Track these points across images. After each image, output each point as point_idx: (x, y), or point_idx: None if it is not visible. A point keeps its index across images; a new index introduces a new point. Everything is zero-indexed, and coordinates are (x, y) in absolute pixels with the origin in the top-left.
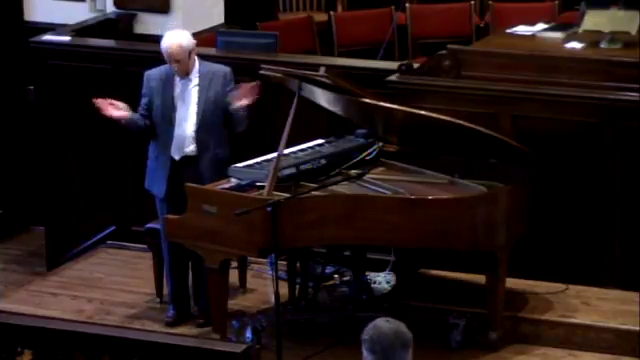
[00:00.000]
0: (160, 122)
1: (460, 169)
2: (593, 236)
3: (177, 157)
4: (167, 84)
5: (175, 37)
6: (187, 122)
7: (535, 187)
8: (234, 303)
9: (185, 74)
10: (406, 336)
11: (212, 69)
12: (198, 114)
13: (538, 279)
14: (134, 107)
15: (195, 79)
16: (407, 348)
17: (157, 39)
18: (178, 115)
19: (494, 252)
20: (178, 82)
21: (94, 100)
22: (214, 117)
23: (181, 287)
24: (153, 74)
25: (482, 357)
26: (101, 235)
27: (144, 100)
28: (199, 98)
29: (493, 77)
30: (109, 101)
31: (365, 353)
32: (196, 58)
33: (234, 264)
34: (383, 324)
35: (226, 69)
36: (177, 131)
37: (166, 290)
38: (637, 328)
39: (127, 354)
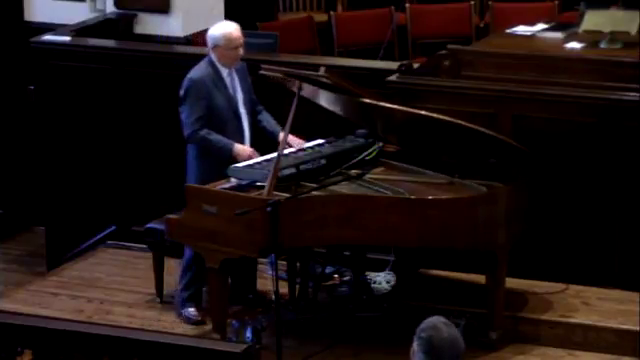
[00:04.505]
0: (228, 119)
1: (460, 169)
2: (593, 236)
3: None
4: (220, 82)
5: (231, 24)
6: (245, 114)
7: (535, 187)
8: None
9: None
10: (461, 346)
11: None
12: (246, 105)
13: (538, 279)
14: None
15: (234, 72)
16: (460, 358)
17: (157, 39)
18: (240, 109)
19: (494, 252)
20: (226, 77)
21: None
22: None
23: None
24: (201, 77)
25: (482, 357)
26: (101, 235)
27: (203, 103)
28: (242, 90)
29: (493, 77)
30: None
31: (416, 349)
32: None
33: None
34: (443, 327)
35: (243, 63)
36: (244, 124)
37: (177, 287)
38: (637, 328)
39: (127, 354)
